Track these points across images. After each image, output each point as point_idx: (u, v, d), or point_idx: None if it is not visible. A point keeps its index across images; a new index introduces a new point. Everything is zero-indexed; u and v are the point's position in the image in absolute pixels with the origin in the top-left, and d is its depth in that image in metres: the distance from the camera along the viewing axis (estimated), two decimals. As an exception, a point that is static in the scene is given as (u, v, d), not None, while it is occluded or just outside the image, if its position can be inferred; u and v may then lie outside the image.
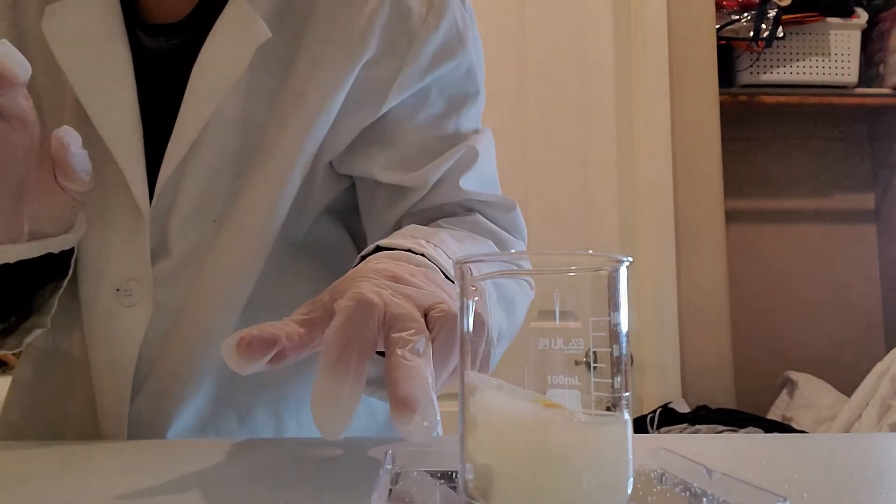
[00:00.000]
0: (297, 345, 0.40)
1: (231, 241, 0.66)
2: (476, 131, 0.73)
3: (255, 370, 0.40)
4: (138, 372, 0.67)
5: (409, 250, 0.52)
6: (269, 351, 0.39)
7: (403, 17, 0.66)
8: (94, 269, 0.66)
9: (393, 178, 0.69)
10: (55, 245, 0.58)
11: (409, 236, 0.55)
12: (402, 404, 0.36)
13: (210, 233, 0.66)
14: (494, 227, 0.72)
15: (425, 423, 0.37)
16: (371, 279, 0.44)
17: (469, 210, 0.72)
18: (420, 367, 0.38)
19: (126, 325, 0.66)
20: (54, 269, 0.62)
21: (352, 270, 0.48)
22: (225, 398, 0.68)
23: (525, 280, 0.66)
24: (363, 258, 0.53)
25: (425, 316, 0.42)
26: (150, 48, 0.67)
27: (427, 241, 0.55)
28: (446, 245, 0.57)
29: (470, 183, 0.70)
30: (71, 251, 0.61)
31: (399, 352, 0.38)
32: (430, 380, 0.38)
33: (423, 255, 0.52)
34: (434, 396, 0.38)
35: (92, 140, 0.63)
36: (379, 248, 0.53)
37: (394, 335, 0.39)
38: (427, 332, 0.40)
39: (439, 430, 0.41)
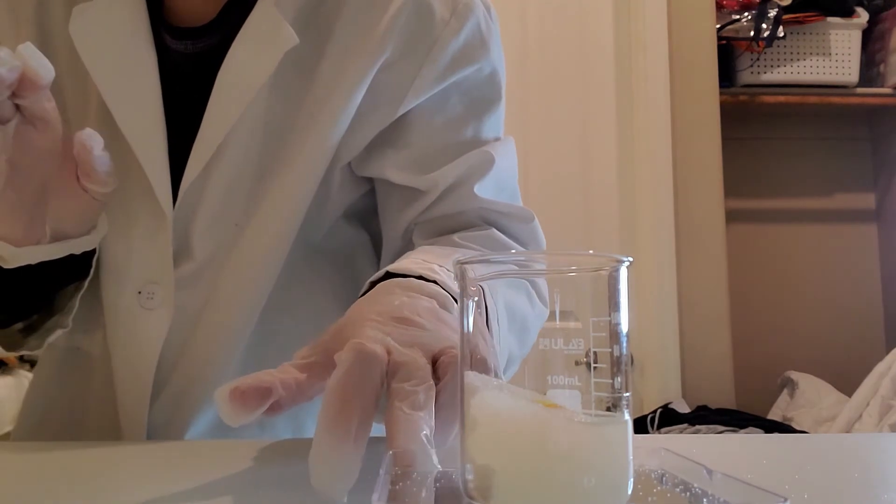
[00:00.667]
0: (294, 394, 0.39)
1: (251, 245, 0.66)
2: (497, 139, 0.72)
3: (248, 421, 0.38)
4: (158, 375, 0.67)
5: (421, 277, 0.51)
6: (263, 402, 0.38)
7: (425, 19, 0.66)
8: (115, 271, 0.67)
9: (405, 179, 0.69)
10: (77, 247, 0.58)
11: (420, 260, 0.54)
12: (398, 459, 0.36)
13: (231, 237, 0.66)
14: (510, 241, 0.70)
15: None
16: (375, 323, 0.42)
17: (485, 221, 0.70)
18: (418, 420, 0.37)
19: (147, 329, 0.66)
20: (76, 269, 0.62)
21: (356, 308, 0.46)
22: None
23: (539, 298, 0.65)
24: (372, 284, 0.52)
25: (435, 361, 0.41)
26: (175, 51, 0.67)
27: (440, 266, 0.53)
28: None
29: (485, 190, 0.69)
30: (93, 252, 0.62)
31: (397, 404, 0.37)
32: (426, 432, 0.37)
33: (434, 281, 0.50)
34: (430, 449, 0.37)
35: (116, 142, 0.63)
36: (389, 274, 0.52)
37: (395, 385, 0.38)
38: (431, 382, 0.39)
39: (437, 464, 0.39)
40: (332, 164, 0.68)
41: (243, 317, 0.67)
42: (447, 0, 0.67)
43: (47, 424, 0.73)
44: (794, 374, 2.13)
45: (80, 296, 0.64)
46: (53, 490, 0.49)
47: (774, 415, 2.10)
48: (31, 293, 0.62)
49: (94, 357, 0.70)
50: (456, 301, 0.49)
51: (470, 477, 0.38)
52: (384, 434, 0.73)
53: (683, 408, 1.98)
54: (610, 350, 0.38)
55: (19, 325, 0.64)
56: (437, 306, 0.47)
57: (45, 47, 0.66)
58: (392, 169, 0.69)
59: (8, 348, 0.65)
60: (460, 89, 0.70)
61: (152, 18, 0.66)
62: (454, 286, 0.51)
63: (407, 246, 0.70)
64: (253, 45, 0.64)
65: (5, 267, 0.56)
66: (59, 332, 0.64)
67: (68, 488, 0.49)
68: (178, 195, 0.65)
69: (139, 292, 0.66)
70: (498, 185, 0.70)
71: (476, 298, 0.40)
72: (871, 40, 2.31)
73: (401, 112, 0.68)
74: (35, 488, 0.50)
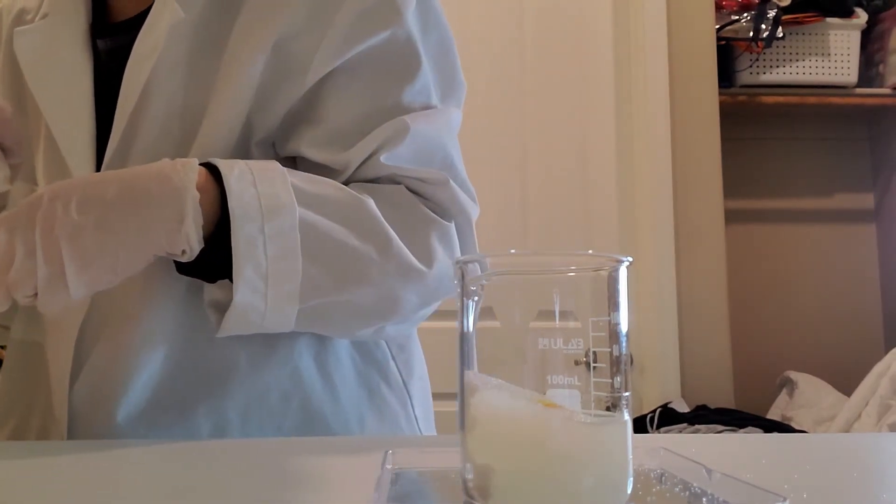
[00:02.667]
0: None
1: None
2: (427, 107, 0.71)
3: None
4: (78, 354, 0.68)
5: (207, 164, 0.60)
6: None
7: None
8: None
9: (320, 157, 0.69)
10: None
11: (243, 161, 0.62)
12: None
13: None
14: (416, 202, 0.70)
15: None
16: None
17: (395, 183, 0.70)
18: None
19: (67, 315, 0.68)
20: None
21: None
22: (167, 387, 0.68)
23: (396, 253, 0.65)
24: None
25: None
26: (102, 50, 0.71)
27: (249, 165, 0.61)
28: (273, 175, 0.61)
29: (395, 158, 0.68)
30: None
31: None
32: None
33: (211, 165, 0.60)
34: None
35: (54, 147, 0.69)
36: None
37: None
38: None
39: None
40: (246, 140, 0.69)
41: (165, 298, 0.67)
42: None
43: (7, 416, 0.75)
44: (793, 374, 2.13)
45: None
46: (21, 490, 0.49)
47: (774, 414, 2.10)
48: None
49: (42, 345, 0.72)
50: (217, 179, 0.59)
51: (470, 476, 0.38)
52: (383, 434, 0.75)
53: (683, 407, 1.98)
54: (609, 350, 0.38)
55: None
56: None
57: (14, 71, 0.73)
58: (308, 147, 0.69)
59: None
60: (372, 57, 0.69)
61: (96, 22, 0.72)
62: (231, 174, 0.60)
63: None
64: (150, 29, 0.67)
65: None
66: None
67: (31, 488, 0.49)
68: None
69: None
70: (418, 153, 0.69)
71: (476, 298, 0.40)
72: (870, 41, 2.31)
73: (310, 82, 0.68)
74: (12, 489, 0.50)
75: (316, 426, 0.71)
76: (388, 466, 0.43)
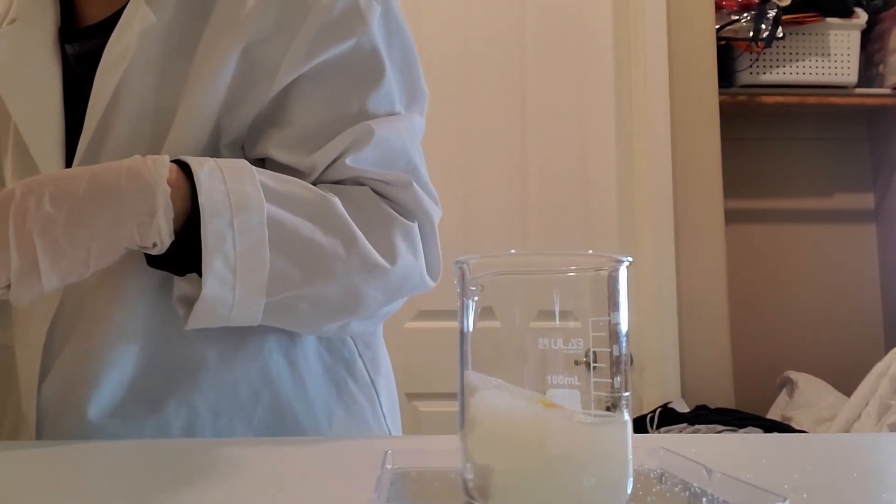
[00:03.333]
0: None
1: None
2: (391, 114, 0.73)
3: None
4: (48, 352, 0.69)
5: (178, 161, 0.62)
6: None
7: (292, 1, 0.69)
8: None
9: (287, 158, 0.71)
10: None
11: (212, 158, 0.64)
12: None
13: None
14: (379, 202, 0.72)
15: None
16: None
17: (360, 185, 0.72)
18: None
19: (37, 312, 0.69)
20: None
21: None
22: (137, 384, 0.69)
23: (359, 249, 0.67)
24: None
25: None
26: (70, 54, 0.73)
27: (218, 164, 0.62)
28: (242, 174, 0.63)
29: (361, 161, 0.70)
30: None
31: None
32: None
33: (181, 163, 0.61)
34: None
35: (23, 146, 0.70)
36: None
37: None
38: None
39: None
40: (215, 142, 0.70)
41: (134, 297, 0.69)
42: None
43: None
44: (793, 374, 2.13)
45: None
46: (17, 492, 0.49)
47: (774, 414, 2.10)
48: None
49: (11, 349, 0.74)
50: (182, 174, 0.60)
51: (469, 476, 0.38)
52: (383, 435, 0.75)
53: (683, 407, 1.98)
54: (609, 350, 0.38)
55: None
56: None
57: None
58: (276, 149, 0.70)
59: None
60: (339, 64, 0.71)
61: (64, 27, 0.73)
62: (201, 171, 0.61)
63: None
64: (122, 32, 0.69)
65: None
66: None
67: (34, 490, 0.49)
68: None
69: None
70: (382, 157, 0.71)
71: (476, 298, 0.40)
72: (870, 41, 2.31)
73: (277, 87, 0.70)
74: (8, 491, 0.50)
75: (286, 422, 0.72)
76: (388, 466, 0.43)
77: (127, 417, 0.68)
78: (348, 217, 0.67)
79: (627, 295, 0.39)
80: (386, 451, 0.44)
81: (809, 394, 2.04)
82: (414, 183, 0.72)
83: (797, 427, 1.92)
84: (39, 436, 0.69)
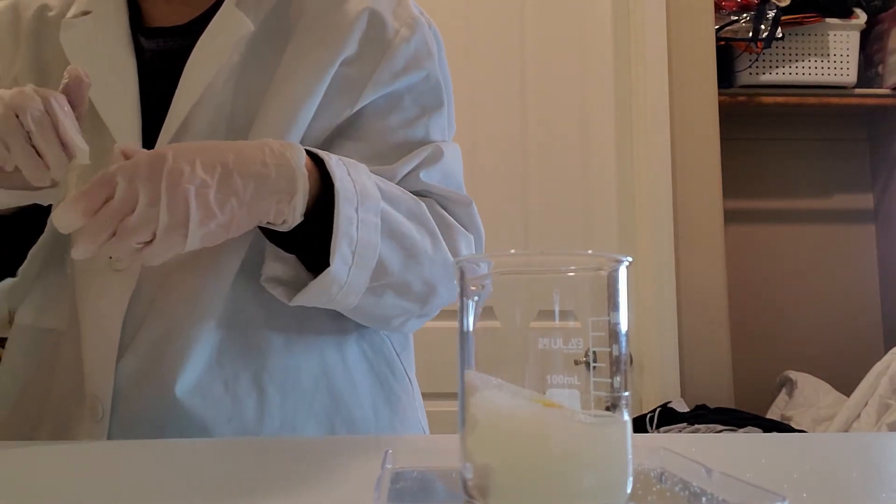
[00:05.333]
0: None
1: None
2: (443, 141, 0.82)
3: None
4: (124, 335, 0.71)
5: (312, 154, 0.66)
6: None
7: (380, 27, 0.78)
8: None
9: (367, 166, 0.74)
10: (46, 197, 0.66)
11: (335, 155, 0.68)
12: None
13: None
14: (445, 213, 0.79)
15: None
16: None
17: (426, 198, 0.79)
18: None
19: (114, 286, 0.71)
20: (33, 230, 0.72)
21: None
22: (215, 364, 0.72)
23: (450, 247, 0.75)
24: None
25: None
26: (149, 50, 0.77)
27: (340, 158, 0.67)
28: (359, 169, 0.68)
29: (431, 177, 0.78)
30: (48, 211, 0.71)
31: None
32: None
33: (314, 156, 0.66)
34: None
35: (98, 128, 0.73)
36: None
37: None
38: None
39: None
40: None
41: (211, 284, 0.72)
42: (397, 15, 0.79)
43: (22, 407, 0.76)
44: (792, 374, 2.13)
45: (31, 251, 0.72)
46: (31, 491, 0.49)
47: (773, 414, 2.10)
48: None
49: (61, 332, 0.75)
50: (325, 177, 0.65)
51: (469, 476, 0.38)
52: (384, 436, 0.75)
53: (682, 407, 1.98)
54: (609, 349, 0.38)
55: None
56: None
57: (41, 63, 0.78)
58: (354, 157, 0.74)
59: None
60: (411, 93, 0.80)
61: (133, 24, 0.78)
62: (331, 161, 0.66)
63: None
64: (215, 37, 0.74)
65: None
66: (7, 282, 0.73)
67: (40, 489, 0.50)
68: None
69: (110, 257, 0.71)
70: (444, 175, 0.80)
71: (476, 298, 0.40)
72: (869, 41, 2.31)
73: (359, 105, 0.77)
74: (16, 490, 0.50)
75: (340, 411, 0.76)
76: (388, 466, 0.43)
77: (206, 396, 0.71)
78: (433, 220, 0.75)
79: (627, 295, 0.39)
80: (386, 451, 0.44)
81: (809, 393, 2.04)
82: (473, 203, 0.81)
83: (796, 427, 1.92)
84: (115, 413, 0.70)
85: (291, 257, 0.69)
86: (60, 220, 0.57)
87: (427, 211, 0.75)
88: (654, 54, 2.16)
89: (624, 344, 0.38)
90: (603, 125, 2.18)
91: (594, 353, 0.38)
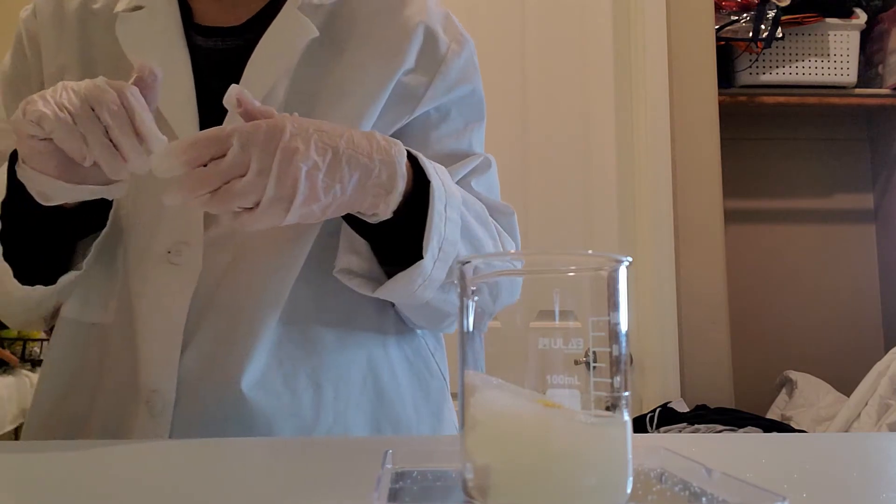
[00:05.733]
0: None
1: None
2: (483, 154, 0.85)
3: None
4: (185, 328, 0.72)
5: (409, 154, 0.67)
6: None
7: (433, 42, 0.80)
8: (146, 231, 0.73)
9: None
10: (112, 192, 0.65)
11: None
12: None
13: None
14: (493, 220, 0.81)
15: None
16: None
17: None
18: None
19: (176, 281, 0.72)
20: (93, 222, 0.72)
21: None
22: (275, 358, 0.73)
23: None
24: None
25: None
26: (205, 48, 0.78)
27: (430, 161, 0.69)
28: (441, 170, 0.70)
29: (480, 186, 0.82)
30: (110, 205, 0.72)
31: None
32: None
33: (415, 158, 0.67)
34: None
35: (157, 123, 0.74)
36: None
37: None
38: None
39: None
40: None
41: (274, 276, 0.73)
42: (447, 30, 0.82)
43: (68, 402, 0.76)
44: (792, 374, 2.13)
45: (94, 244, 0.72)
46: (33, 490, 0.49)
47: (773, 414, 2.10)
48: (52, 242, 0.71)
49: (108, 326, 0.75)
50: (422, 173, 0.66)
51: (470, 476, 0.38)
52: (383, 436, 0.75)
53: (682, 407, 1.98)
54: (609, 350, 0.38)
55: (43, 289, 0.70)
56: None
57: (87, 55, 0.78)
58: None
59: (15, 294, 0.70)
60: (458, 106, 0.83)
61: (184, 22, 0.78)
62: (424, 161, 0.67)
63: None
64: (278, 39, 0.76)
65: (45, 203, 0.63)
66: (72, 275, 0.71)
67: (46, 488, 0.50)
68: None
69: (168, 251, 0.72)
70: (489, 186, 0.84)
71: (476, 298, 0.40)
72: (869, 41, 2.31)
73: (417, 113, 0.79)
74: (16, 489, 0.50)
75: (384, 408, 0.78)
76: (388, 466, 0.43)
77: (268, 391, 0.72)
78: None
79: (627, 295, 0.39)
80: (386, 451, 0.44)
81: (809, 393, 2.04)
82: (514, 214, 0.84)
83: (796, 427, 1.92)
84: (178, 406, 0.70)
85: (366, 250, 0.71)
86: (161, 164, 0.57)
87: (487, 214, 0.79)
88: (655, 54, 2.16)
89: (624, 344, 0.38)
90: (603, 125, 2.18)
91: (594, 353, 0.38)
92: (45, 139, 0.59)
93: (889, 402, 1.72)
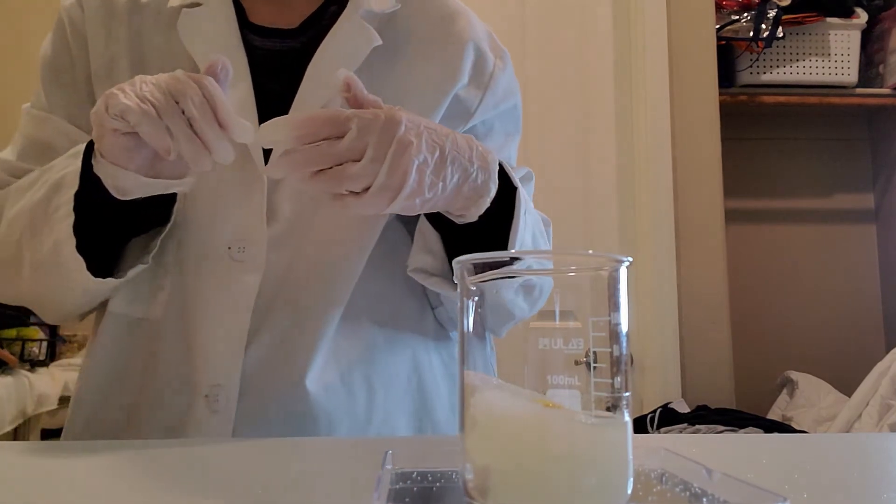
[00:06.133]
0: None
1: (326, 220, 0.75)
2: (526, 168, 0.88)
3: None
4: (254, 318, 0.72)
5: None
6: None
7: (482, 59, 0.83)
8: (204, 228, 0.74)
9: None
10: (184, 185, 0.66)
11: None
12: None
13: (310, 210, 0.75)
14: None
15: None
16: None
17: None
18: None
19: (240, 280, 0.72)
20: (157, 216, 0.72)
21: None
22: (330, 358, 0.74)
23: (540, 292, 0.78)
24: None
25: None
26: (261, 48, 0.78)
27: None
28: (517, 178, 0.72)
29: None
30: (174, 200, 0.71)
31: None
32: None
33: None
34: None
35: None
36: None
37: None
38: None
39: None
40: None
41: (340, 275, 0.75)
42: (492, 47, 0.85)
43: (116, 396, 0.75)
44: (793, 374, 2.13)
45: (159, 238, 0.72)
46: (32, 488, 0.49)
47: (774, 414, 2.10)
48: (121, 234, 0.71)
49: (157, 320, 0.75)
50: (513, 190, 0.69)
51: (470, 477, 0.38)
52: (383, 437, 0.74)
53: (683, 407, 1.98)
54: (610, 350, 0.38)
55: (114, 281, 0.69)
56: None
57: (136, 49, 0.78)
58: None
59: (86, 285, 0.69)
60: (500, 120, 0.85)
61: (239, 21, 0.79)
62: (508, 169, 0.70)
63: None
64: (341, 44, 0.77)
65: (121, 198, 0.63)
66: (139, 268, 0.71)
67: (43, 488, 0.49)
68: (268, 164, 0.74)
69: (229, 248, 0.73)
70: (529, 196, 0.85)
71: (476, 298, 0.40)
72: (870, 41, 2.31)
73: (469, 125, 0.81)
74: (18, 489, 0.50)
75: (427, 408, 0.80)
76: (388, 466, 0.43)
77: (328, 388, 0.73)
78: None
79: (628, 295, 0.39)
80: (386, 452, 0.44)
81: (810, 394, 2.04)
82: (550, 224, 0.87)
83: (797, 427, 1.92)
84: (240, 401, 0.71)
85: (439, 250, 0.73)
86: (269, 134, 0.58)
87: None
88: (655, 54, 2.16)
89: (624, 344, 0.38)
90: (604, 125, 2.18)
91: (595, 353, 0.38)
92: (127, 133, 0.60)
93: (890, 403, 1.72)
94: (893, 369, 1.76)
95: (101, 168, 0.63)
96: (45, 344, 1.91)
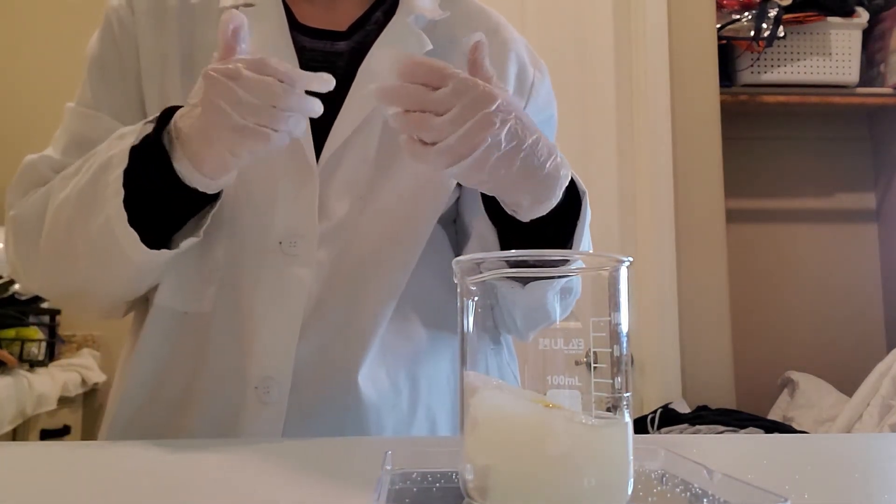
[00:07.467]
0: None
1: (372, 219, 0.76)
2: None
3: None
4: (306, 313, 0.73)
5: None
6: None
7: (523, 70, 0.86)
8: (255, 223, 0.74)
9: None
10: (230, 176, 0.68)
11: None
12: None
13: (357, 209, 0.76)
14: None
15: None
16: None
17: None
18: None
19: (293, 274, 0.73)
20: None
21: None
22: (377, 352, 0.76)
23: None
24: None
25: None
26: (310, 49, 0.80)
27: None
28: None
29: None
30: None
31: None
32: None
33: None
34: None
35: None
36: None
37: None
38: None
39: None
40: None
41: (393, 271, 0.76)
42: (532, 60, 0.88)
43: (164, 389, 0.76)
44: (794, 374, 2.13)
45: (211, 214, 0.72)
46: (30, 488, 0.49)
47: (775, 415, 2.09)
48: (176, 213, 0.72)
49: (206, 314, 0.75)
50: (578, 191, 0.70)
51: (470, 477, 0.38)
52: (382, 436, 0.74)
53: (684, 408, 1.98)
54: (610, 350, 0.38)
55: (168, 253, 0.69)
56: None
57: (186, 48, 0.79)
58: None
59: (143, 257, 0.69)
60: (541, 129, 0.83)
61: (289, 23, 0.80)
62: (580, 183, 0.71)
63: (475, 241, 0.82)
64: (391, 47, 0.78)
65: (209, 192, 0.67)
66: (192, 241, 0.71)
67: (37, 487, 0.49)
68: (320, 162, 0.75)
69: (280, 242, 0.74)
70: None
71: (476, 298, 0.40)
72: (871, 40, 2.31)
73: None
74: (13, 487, 0.50)
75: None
76: (388, 467, 0.43)
77: (376, 382, 0.74)
78: None
79: (628, 295, 0.39)
80: (386, 452, 0.44)
81: (810, 394, 2.04)
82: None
83: (798, 427, 1.92)
84: (293, 395, 0.72)
85: (494, 246, 0.74)
86: (384, 60, 0.61)
87: None
88: (656, 53, 2.16)
89: (625, 344, 0.38)
90: (604, 124, 2.18)
91: (595, 353, 0.38)
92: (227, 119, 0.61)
93: (891, 403, 1.72)
94: (894, 370, 1.76)
95: (182, 168, 0.65)
96: (44, 344, 1.90)
